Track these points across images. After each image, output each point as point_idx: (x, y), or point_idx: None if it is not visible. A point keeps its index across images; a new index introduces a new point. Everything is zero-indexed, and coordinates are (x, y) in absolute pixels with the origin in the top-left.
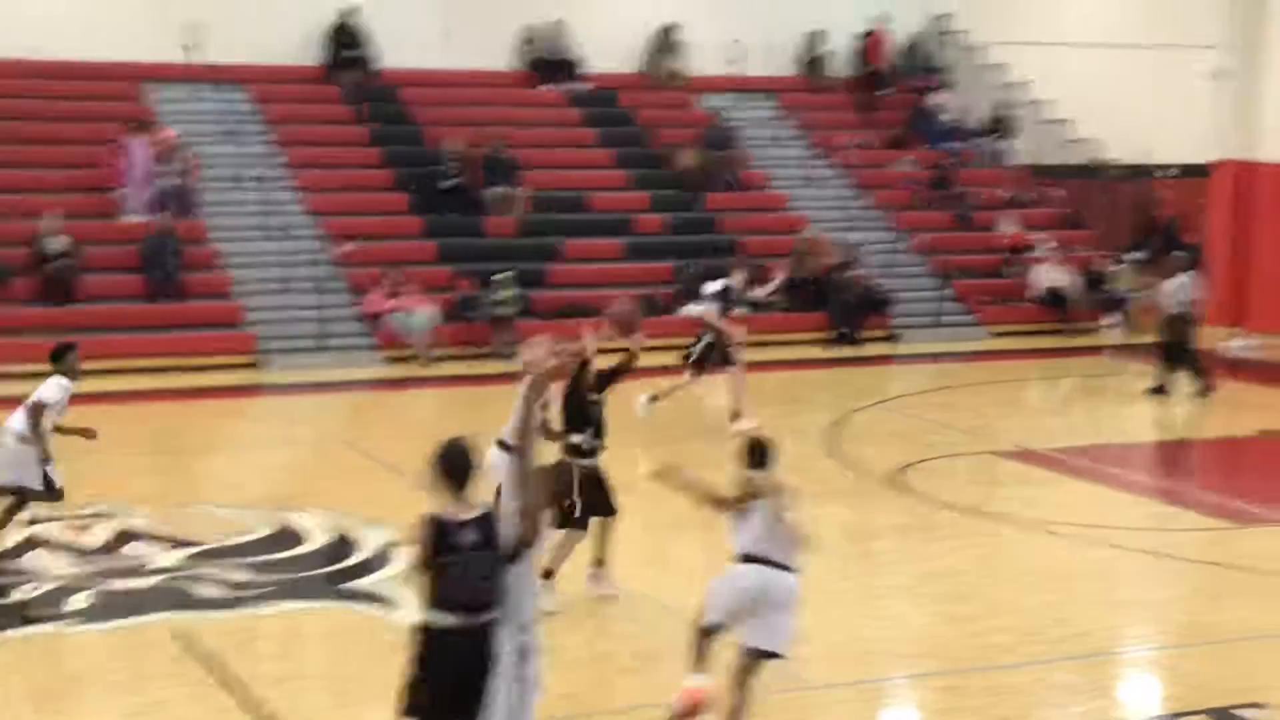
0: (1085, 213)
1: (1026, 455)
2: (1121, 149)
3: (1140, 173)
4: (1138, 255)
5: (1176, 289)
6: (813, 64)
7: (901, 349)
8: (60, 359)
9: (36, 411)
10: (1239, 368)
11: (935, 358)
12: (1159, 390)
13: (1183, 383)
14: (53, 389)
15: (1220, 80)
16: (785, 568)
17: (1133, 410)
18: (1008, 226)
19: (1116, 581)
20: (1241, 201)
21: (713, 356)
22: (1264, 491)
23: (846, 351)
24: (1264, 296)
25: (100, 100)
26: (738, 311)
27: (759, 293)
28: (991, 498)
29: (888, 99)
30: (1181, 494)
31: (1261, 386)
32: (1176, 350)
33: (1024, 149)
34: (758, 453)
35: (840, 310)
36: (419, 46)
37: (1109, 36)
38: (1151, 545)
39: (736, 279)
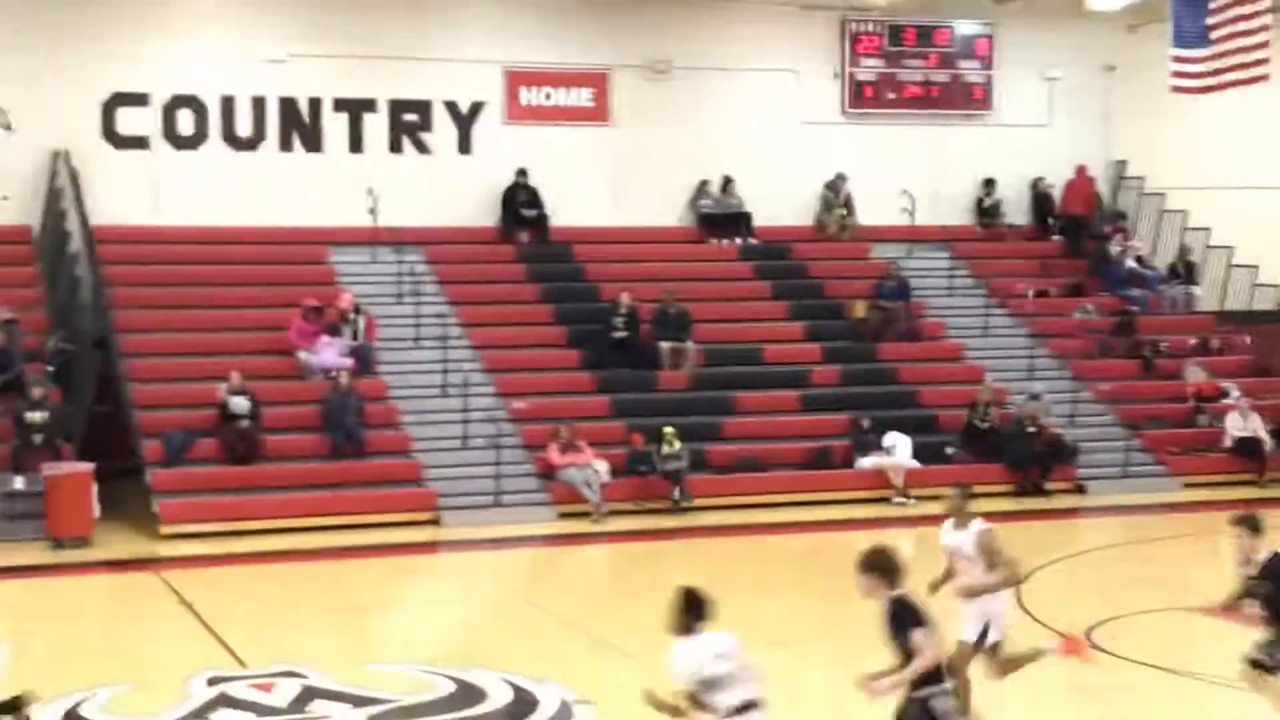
0: (1273, 359)
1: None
2: None
3: None
4: None
5: None
6: (985, 212)
7: (1089, 501)
8: None
9: None
10: None
11: (1124, 509)
12: None
13: None
14: None
15: None
16: None
17: None
18: (1194, 374)
19: None
20: None
21: None
22: None
23: (1031, 504)
24: None
25: (286, 264)
26: None
27: None
28: (1189, 655)
29: (1058, 245)
30: None
31: None
32: None
33: (1207, 295)
34: None
35: (1023, 461)
36: (589, 206)
37: None
38: None
39: None
